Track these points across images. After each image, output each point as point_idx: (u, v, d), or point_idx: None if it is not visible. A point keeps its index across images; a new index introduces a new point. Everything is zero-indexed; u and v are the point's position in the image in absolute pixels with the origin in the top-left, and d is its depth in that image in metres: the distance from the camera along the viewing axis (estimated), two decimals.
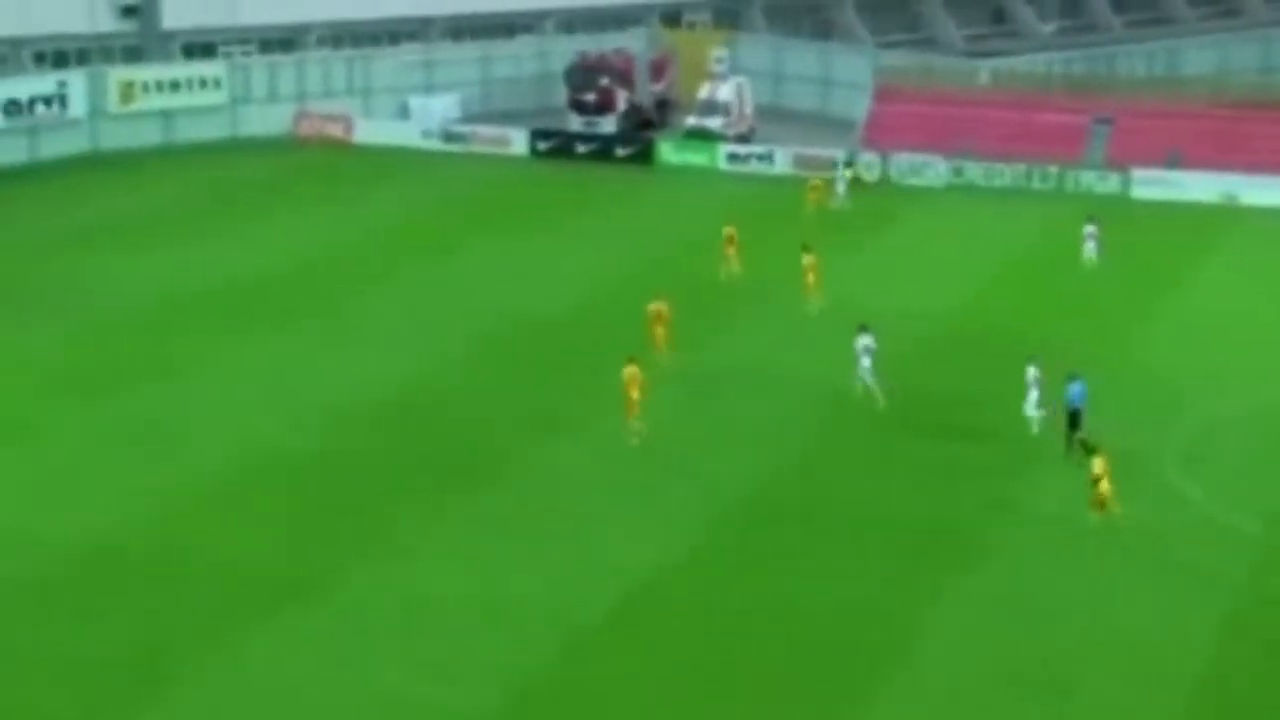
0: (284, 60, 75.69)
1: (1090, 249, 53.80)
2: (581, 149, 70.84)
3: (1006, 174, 66.47)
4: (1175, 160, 66.07)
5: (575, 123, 73.32)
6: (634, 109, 74.95)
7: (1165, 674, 28.91)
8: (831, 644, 29.65)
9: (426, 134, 72.33)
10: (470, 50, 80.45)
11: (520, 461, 37.25)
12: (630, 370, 38.28)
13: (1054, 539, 33.88)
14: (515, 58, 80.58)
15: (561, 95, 75.32)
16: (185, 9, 73.33)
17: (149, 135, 69.99)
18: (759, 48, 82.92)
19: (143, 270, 51.80)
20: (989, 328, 47.17)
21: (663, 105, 77.34)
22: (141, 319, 47.00)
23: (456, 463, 36.99)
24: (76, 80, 68.79)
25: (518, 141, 71.35)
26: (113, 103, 69.45)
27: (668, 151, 70.00)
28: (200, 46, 76.12)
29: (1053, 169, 66.33)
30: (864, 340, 40.25)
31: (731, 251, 51.47)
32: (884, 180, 67.09)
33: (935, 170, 67.18)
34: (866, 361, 40.09)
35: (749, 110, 74.16)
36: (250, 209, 60.46)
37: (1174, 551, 33.55)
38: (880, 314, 47.98)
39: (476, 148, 71.22)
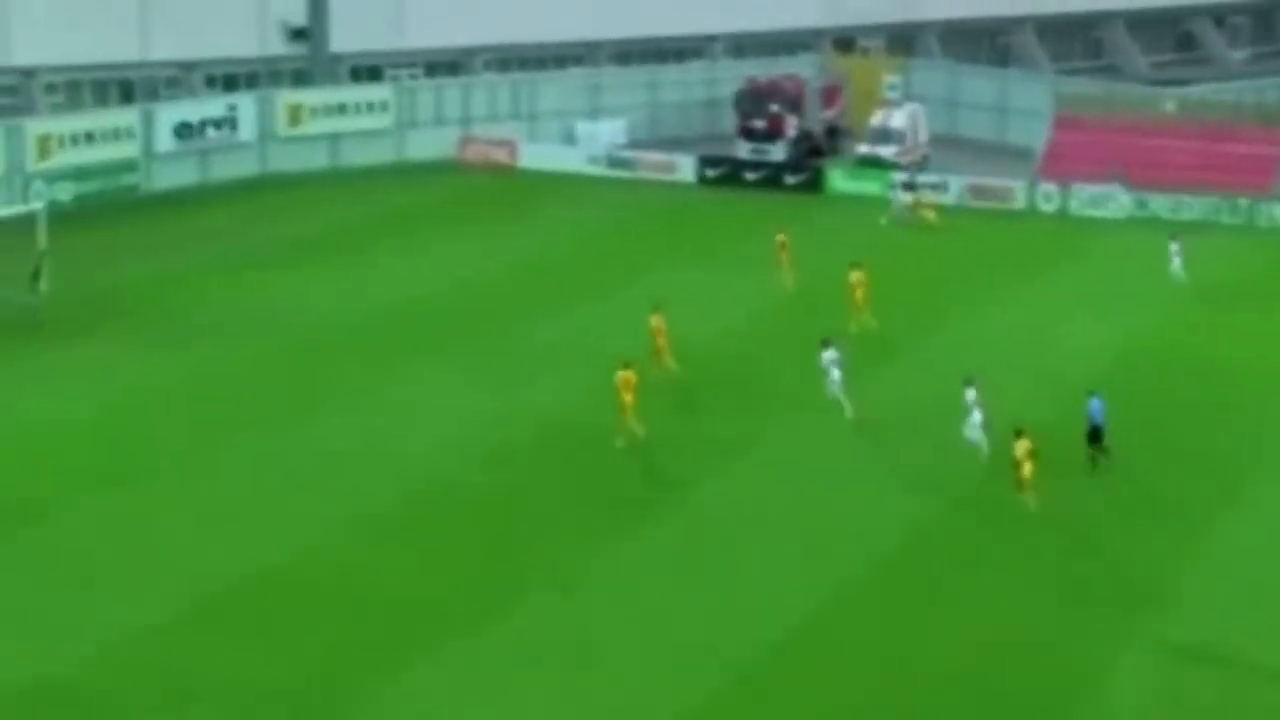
0: (450, 84, 77.10)
1: (1176, 266, 54.13)
2: (750, 176, 71.21)
3: (1194, 207, 65.45)
4: None
5: (744, 149, 73.68)
6: (804, 136, 75.10)
7: None
8: (1006, 692, 29.43)
9: (592, 159, 73.18)
10: (637, 74, 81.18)
11: (685, 495, 37.62)
12: (625, 375, 39.69)
13: (1243, 582, 33.34)
14: (683, 82, 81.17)
15: (730, 121, 75.65)
16: (353, 33, 75.10)
17: (316, 158, 71.77)
18: (934, 74, 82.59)
19: (310, 295, 53.14)
20: (1168, 364, 46.54)
21: (834, 132, 77.37)
22: (309, 345, 48.20)
23: (621, 496, 37.44)
24: (246, 103, 70.80)
25: (685, 168, 71.86)
26: (281, 126, 71.36)
27: (838, 180, 70.04)
28: (367, 70, 77.93)
29: (1243, 201, 65.22)
30: (829, 354, 41.23)
31: (784, 259, 52.97)
32: (1063, 212, 66.48)
33: (1117, 202, 66.38)
34: (836, 374, 41.46)
35: (923, 138, 73.97)
36: (415, 234, 61.64)
37: None
38: (1051, 351, 47.61)
39: (643, 174, 71.86)
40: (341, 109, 73.13)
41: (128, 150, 66.74)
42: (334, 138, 72.66)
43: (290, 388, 44.50)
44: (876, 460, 39.67)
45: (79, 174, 64.73)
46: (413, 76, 78.20)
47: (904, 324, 50.02)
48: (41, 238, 52.34)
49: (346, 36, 75.06)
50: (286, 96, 72.30)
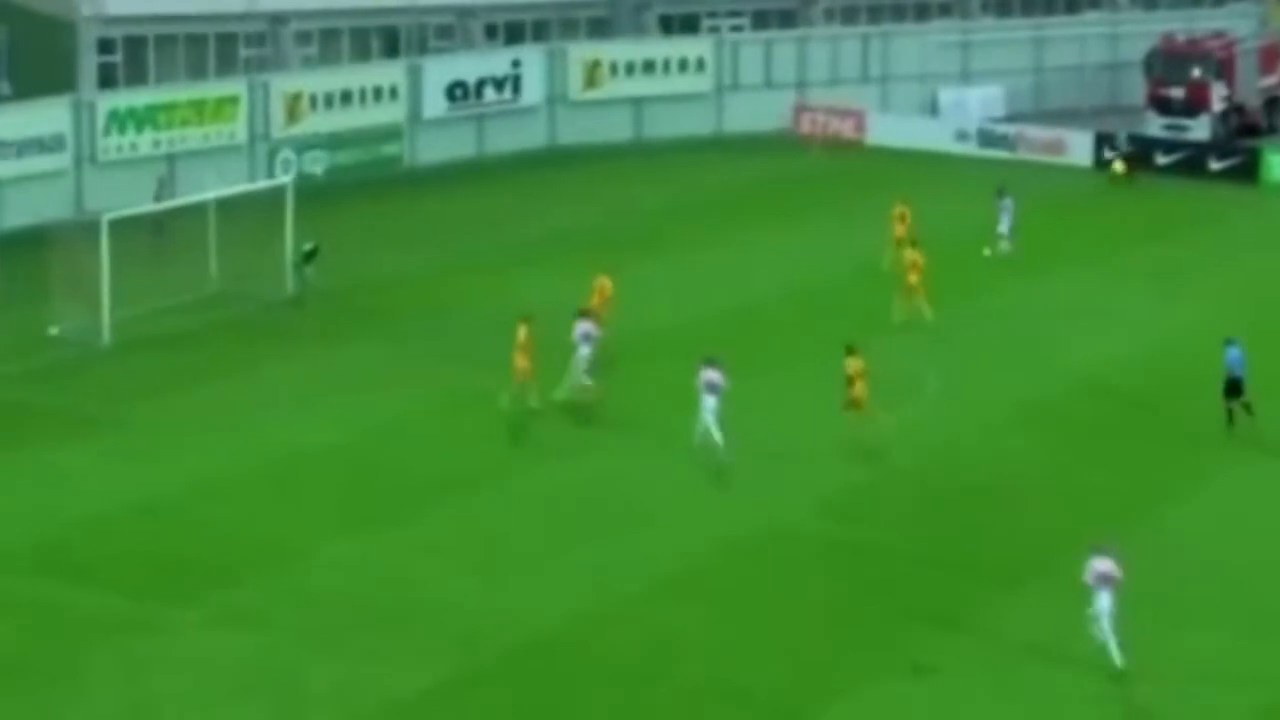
0: (782, 38, 77.49)
1: None
2: (1162, 160, 70.58)
3: None
4: None
5: (1155, 125, 73.43)
6: (1235, 109, 74.31)
7: None
8: None
9: (960, 135, 73.29)
10: (1019, 29, 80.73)
11: (1067, 562, 36.60)
12: (523, 331, 43.64)
13: None
14: (1077, 40, 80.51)
15: (1138, 89, 75.15)
16: None
17: (616, 129, 72.78)
18: None
19: None
20: None
21: (1274, 104, 76.41)
22: (601, 360, 48.57)
23: (1003, 561, 37.21)
24: (533, 59, 72.11)
25: (1078, 148, 71.42)
26: (574, 88, 72.55)
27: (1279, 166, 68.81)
28: (680, 19, 78.66)
29: None
30: (583, 326, 45.14)
31: (901, 232, 54.06)
32: None
33: None
34: (585, 350, 44.97)
35: None
36: (737, 224, 62.00)
37: None
38: None
39: (1024, 154, 71.67)
40: (649, 68, 73.97)
41: (391, 114, 68.63)
42: (638, 103, 73.54)
43: (575, 412, 44.92)
44: None
45: (333, 142, 66.81)
46: (736, 28, 78.70)
47: None
48: (289, 217, 54.00)
49: None
50: (582, 51, 73.45)
